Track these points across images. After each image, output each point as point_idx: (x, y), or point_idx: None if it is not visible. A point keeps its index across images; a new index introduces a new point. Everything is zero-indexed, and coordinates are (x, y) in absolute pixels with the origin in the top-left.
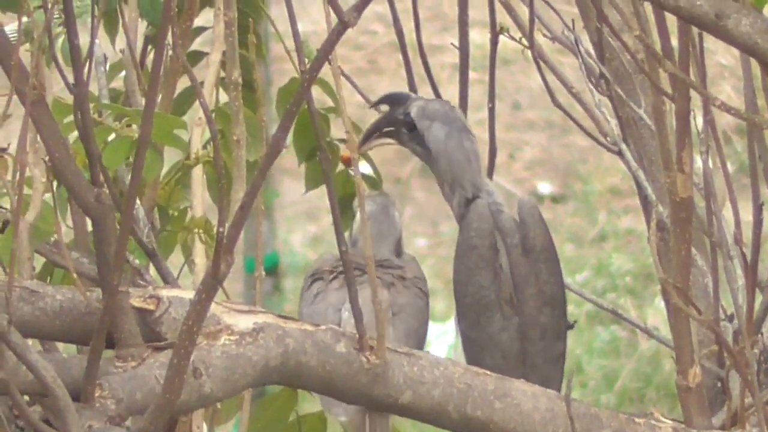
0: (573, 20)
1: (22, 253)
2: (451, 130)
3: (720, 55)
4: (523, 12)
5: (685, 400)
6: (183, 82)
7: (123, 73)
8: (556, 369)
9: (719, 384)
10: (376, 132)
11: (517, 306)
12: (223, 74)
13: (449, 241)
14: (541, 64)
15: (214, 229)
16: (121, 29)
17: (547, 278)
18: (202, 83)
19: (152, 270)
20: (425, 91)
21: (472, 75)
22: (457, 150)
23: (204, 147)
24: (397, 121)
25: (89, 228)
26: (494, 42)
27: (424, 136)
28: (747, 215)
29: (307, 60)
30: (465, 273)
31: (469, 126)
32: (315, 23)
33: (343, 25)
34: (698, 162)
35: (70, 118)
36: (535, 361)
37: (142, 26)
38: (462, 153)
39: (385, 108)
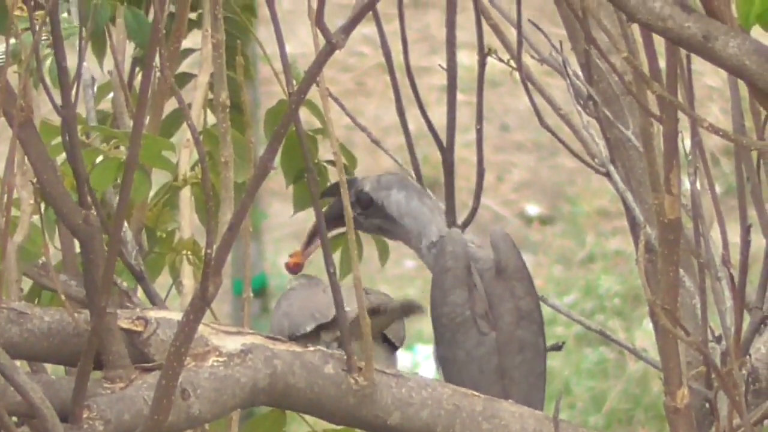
0: (561, 42)
1: (9, 274)
2: (409, 192)
3: (708, 76)
4: (511, 34)
5: (673, 421)
6: (171, 104)
7: (111, 94)
8: (537, 386)
9: (707, 405)
10: (318, 231)
11: (493, 321)
12: (211, 96)
13: None
14: (529, 85)
15: (202, 251)
16: (108, 51)
17: (522, 295)
18: (189, 105)
19: (140, 292)
20: (413, 113)
21: (460, 97)
22: (419, 207)
23: (192, 168)
24: (350, 205)
25: (77, 250)
26: (482, 64)
27: (383, 206)
28: (735, 237)
29: (294, 82)
30: (439, 295)
31: (425, 189)
32: (303, 45)
33: (330, 47)
34: (686, 183)
35: (58, 139)
36: (513, 376)
37: (130, 48)
38: (425, 208)
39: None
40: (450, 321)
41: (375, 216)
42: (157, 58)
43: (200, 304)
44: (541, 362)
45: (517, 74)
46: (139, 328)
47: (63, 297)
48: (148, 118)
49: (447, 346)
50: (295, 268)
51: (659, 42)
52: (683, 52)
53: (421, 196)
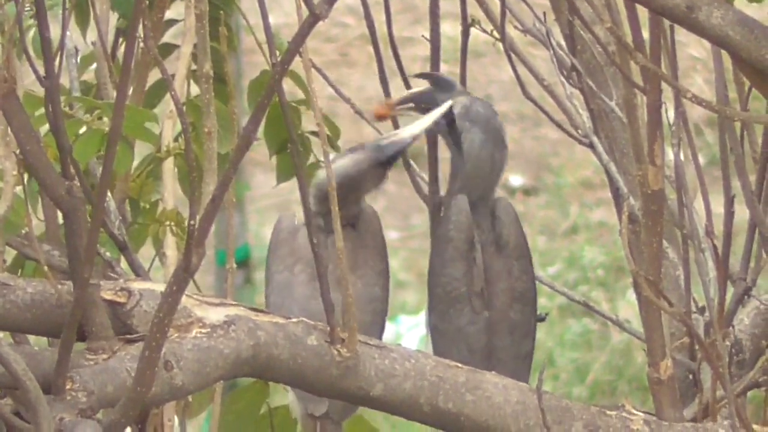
0: (544, 13)
1: None
2: (487, 138)
3: (692, 47)
4: (495, 4)
5: (656, 392)
6: (154, 75)
7: (94, 65)
8: (523, 366)
9: (691, 376)
10: (412, 101)
11: (487, 300)
12: (194, 67)
13: (420, 233)
14: (513, 56)
15: (186, 222)
16: (92, 21)
17: (518, 275)
18: (173, 76)
19: (123, 263)
20: (397, 83)
21: (443, 67)
22: (486, 161)
23: (175, 140)
24: (437, 106)
25: (60, 221)
26: (465, 34)
27: (460, 136)
28: (718, 207)
29: (278, 52)
30: (439, 264)
31: (506, 135)
32: (286, 15)
33: (314, 18)
34: (670, 154)
35: (41, 110)
36: (501, 357)
37: (113, 19)
38: (489, 165)
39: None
40: (445, 293)
41: (451, 136)
42: (140, 29)
43: (183, 275)
44: (530, 343)
45: (500, 45)
46: (123, 300)
47: (46, 268)
48: (131, 89)
49: (439, 317)
50: (379, 117)
51: (643, 12)
52: (667, 22)
53: (495, 150)
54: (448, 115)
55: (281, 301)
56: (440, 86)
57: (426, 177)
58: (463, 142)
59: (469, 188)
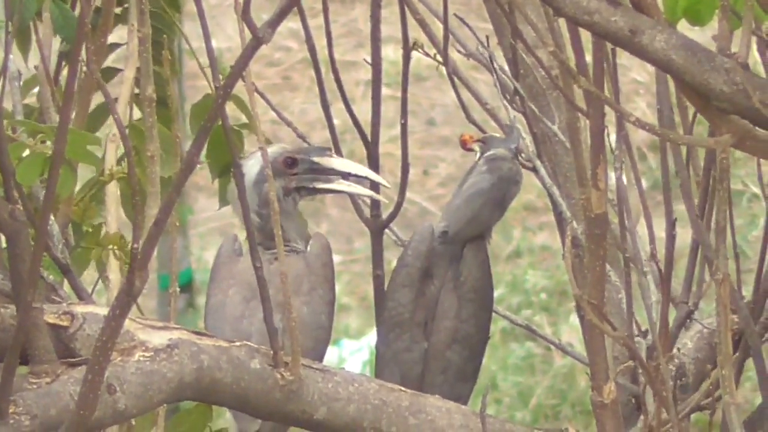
0: (487, 37)
1: None
2: (490, 189)
3: (635, 71)
4: (438, 28)
5: (600, 416)
6: (97, 98)
7: (37, 89)
8: None
9: (634, 400)
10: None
11: (428, 334)
12: (137, 90)
13: (363, 258)
14: (456, 80)
15: (129, 246)
16: (34, 45)
17: (466, 318)
18: (116, 99)
19: (66, 286)
20: (339, 107)
21: (385, 91)
22: (474, 206)
23: (118, 163)
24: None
25: (3, 244)
26: (407, 58)
27: (471, 172)
28: (661, 231)
29: (221, 76)
30: (391, 288)
31: (510, 201)
32: (229, 39)
33: (257, 42)
34: (612, 178)
35: None
36: (430, 393)
37: (56, 42)
38: (472, 211)
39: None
40: (390, 317)
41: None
42: (83, 53)
43: (126, 299)
44: (465, 388)
45: (443, 69)
46: (66, 323)
47: None
48: (74, 112)
49: (381, 340)
50: (466, 145)
51: (586, 36)
52: (609, 46)
53: (493, 207)
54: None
55: (213, 323)
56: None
57: (368, 201)
58: (467, 178)
59: (450, 221)
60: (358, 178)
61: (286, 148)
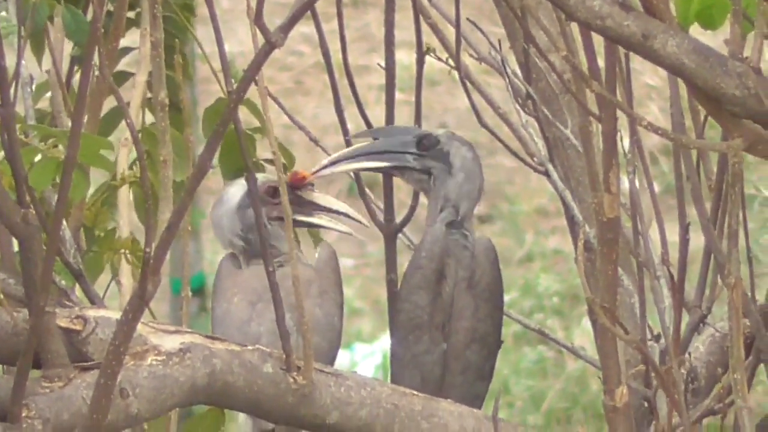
0: (500, 41)
1: None
2: (475, 156)
3: (647, 75)
4: (450, 33)
5: (612, 420)
6: (109, 103)
7: (49, 93)
8: (473, 407)
9: (646, 404)
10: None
11: (447, 334)
12: (149, 95)
13: (376, 262)
14: (468, 84)
15: (141, 250)
16: (47, 50)
17: (483, 317)
18: (128, 104)
19: (79, 290)
20: (352, 111)
21: (398, 96)
22: (477, 173)
23: (130, 167)
24: (406, 144)
25: (16, 249)
26: (420, 62)
27: (448, 153)
28: (673, 235)
29: (233, 81)
30: (405, 290)
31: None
32: (242, 44)
33: (269, 46)
34: (625, 182)
35: None
36: (450, 393)
37: (68, 47)
38: (480, 177)
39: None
40: (407, 320)
41: (432, 158)
42: (95, 57)
43: (139, 303)
44: (483, 386)
45: (455, 73)
46: (78, 327)
47: (1, 295)
48: (86, 116)
49: (398, 343)
50: (296, 183)
51: (598, 41)
52: (622, 50)
53: (481, 170)
54: (429, 143)
55: (222, 331)
56: (396, 133)
57: (381, 205)
58: (453, 158)
59: (459, 202)
60: (338, 214)
61: (270, 178)
